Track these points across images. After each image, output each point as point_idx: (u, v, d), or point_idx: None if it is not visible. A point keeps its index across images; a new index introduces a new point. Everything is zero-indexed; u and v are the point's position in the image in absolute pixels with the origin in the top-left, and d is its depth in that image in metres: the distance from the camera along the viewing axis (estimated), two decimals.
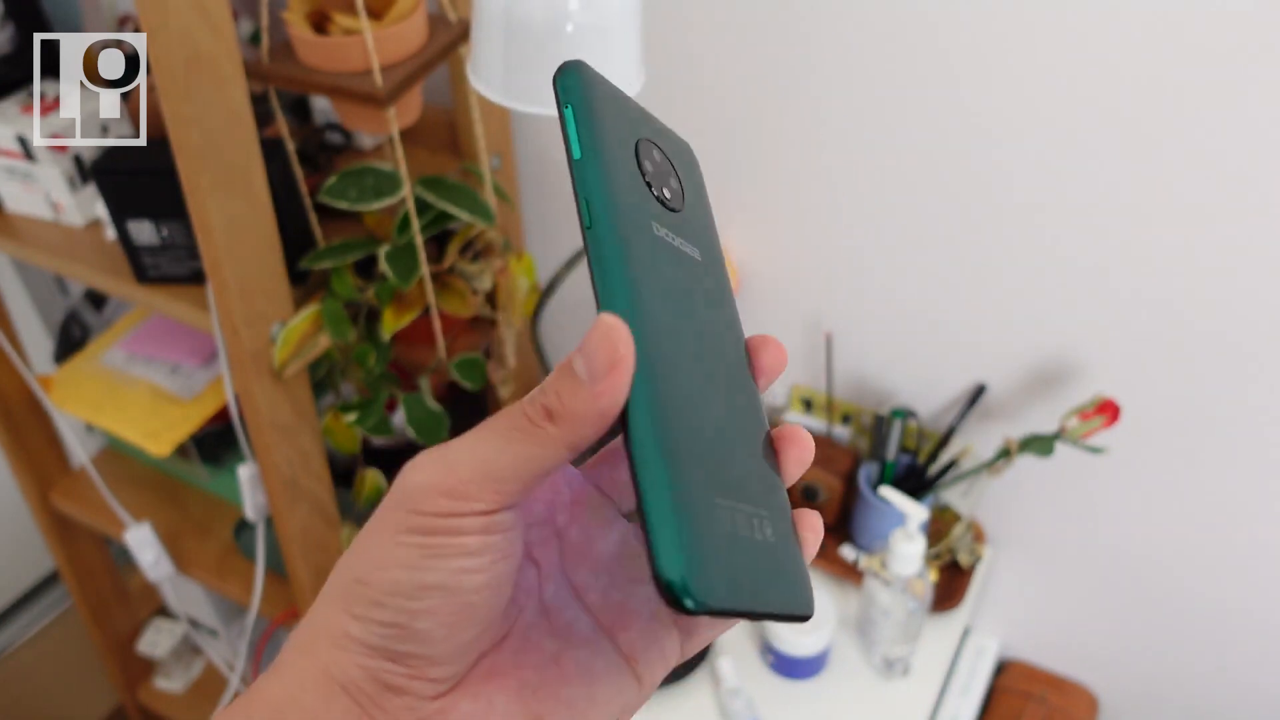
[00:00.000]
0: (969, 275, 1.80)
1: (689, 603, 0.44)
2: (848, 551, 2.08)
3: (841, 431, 2.13)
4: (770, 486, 0.56)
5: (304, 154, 1.90)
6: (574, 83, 0.55)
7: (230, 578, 2.31)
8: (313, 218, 1.77)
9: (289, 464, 1.87)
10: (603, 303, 0.51)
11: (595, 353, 0.48)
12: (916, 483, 1.99)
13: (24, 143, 1.78)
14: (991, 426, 1.95)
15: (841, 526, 2.13)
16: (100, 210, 1.85)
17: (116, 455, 2.50)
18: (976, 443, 1.97)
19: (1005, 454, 1.82)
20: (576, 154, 0.54)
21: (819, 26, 1.68)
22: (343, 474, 2.16)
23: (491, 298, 1.90)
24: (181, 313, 1.73)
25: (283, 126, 1.68)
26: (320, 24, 1.60)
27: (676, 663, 0.60)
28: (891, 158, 1.75)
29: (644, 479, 0.47)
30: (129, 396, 2.11)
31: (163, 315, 2.13)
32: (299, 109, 2.09)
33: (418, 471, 0.51)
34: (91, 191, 1.85)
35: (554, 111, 0.55)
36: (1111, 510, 1.93)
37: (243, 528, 2.33)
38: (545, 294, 1.95)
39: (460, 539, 0.50)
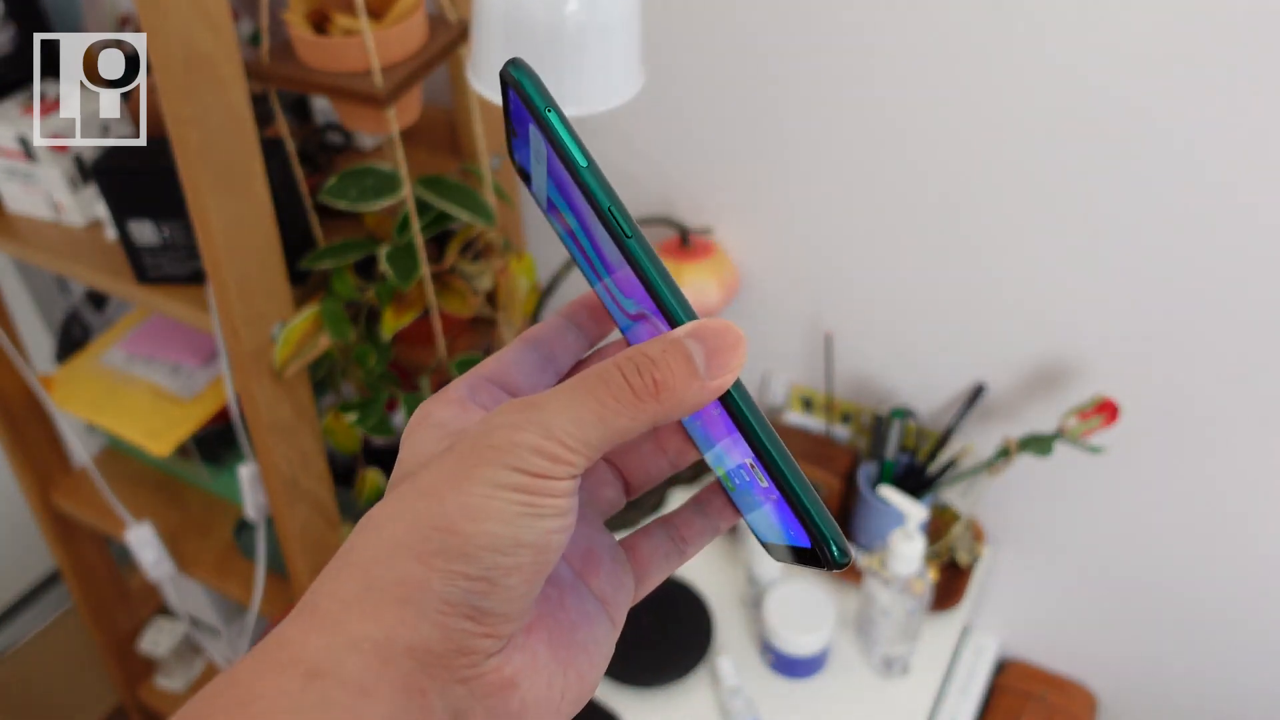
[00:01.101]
0: (969, 275, 1.80)
1: (846, 562, 0.53)
2: None
3: (841, 431, 2.14)
4: None
5: (304, 154, 1.90)
6: (539, 83, 0.55)
7: (231, 577, 2.31)
8: (313, 218, 1.78)
9: (289, 464, 1.87)
10: (680, 308, 0.55)
11: (718, 351, 0.52)
12: (916, 482, 2.00)
13: (25, 143, 1.78)
14: (991, 426, 1.95)
15: (841, 526, 2.12)
16: (101, 210, 1.86)
17: (117, 455, 2.50)
18: (976, 442, 1.97)
19: (1004, 453, 1.82)
20: (583, 161, 0.54)
21: (818, 28, 1.68)
22: (343, 474, 2.16)
23: (492, 298, 1.90)
24: (182, 313, 1.73)
25: (283, 126, 1.68)
26: (320, 24, 1.61)
27: (633, 604, 0.62)
28: (891, 158, 1.75)
29: (786, 470, 0.54)
30: (130, 396, 2.11)
31: (163, 315, 2.14)
32: (299, 109, 2.09)
33: (516, 430, 0.51)
34: (92, 191, 1.85)
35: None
36: (1111, 510, 1.94)
37: (243, 527, 2.33)
38: (545, 294, 1.96)
39: (555, 500, 0.50)
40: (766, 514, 0.57)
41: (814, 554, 0.54)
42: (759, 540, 0.60)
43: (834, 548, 0.53)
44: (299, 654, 0.50)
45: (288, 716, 0.49)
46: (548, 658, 0.55)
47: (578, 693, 0.56)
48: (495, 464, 0.50)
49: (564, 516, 0.51)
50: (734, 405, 0.54)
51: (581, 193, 0.54)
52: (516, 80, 0.55)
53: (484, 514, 0.49)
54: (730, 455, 0.57)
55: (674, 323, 0.54)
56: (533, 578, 0.51)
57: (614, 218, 0.54)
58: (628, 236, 0.54)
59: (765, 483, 0.55)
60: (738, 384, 0.53)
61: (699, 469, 1.85)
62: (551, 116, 0.54)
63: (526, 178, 0.62)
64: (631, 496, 0.65)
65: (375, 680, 0.50)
